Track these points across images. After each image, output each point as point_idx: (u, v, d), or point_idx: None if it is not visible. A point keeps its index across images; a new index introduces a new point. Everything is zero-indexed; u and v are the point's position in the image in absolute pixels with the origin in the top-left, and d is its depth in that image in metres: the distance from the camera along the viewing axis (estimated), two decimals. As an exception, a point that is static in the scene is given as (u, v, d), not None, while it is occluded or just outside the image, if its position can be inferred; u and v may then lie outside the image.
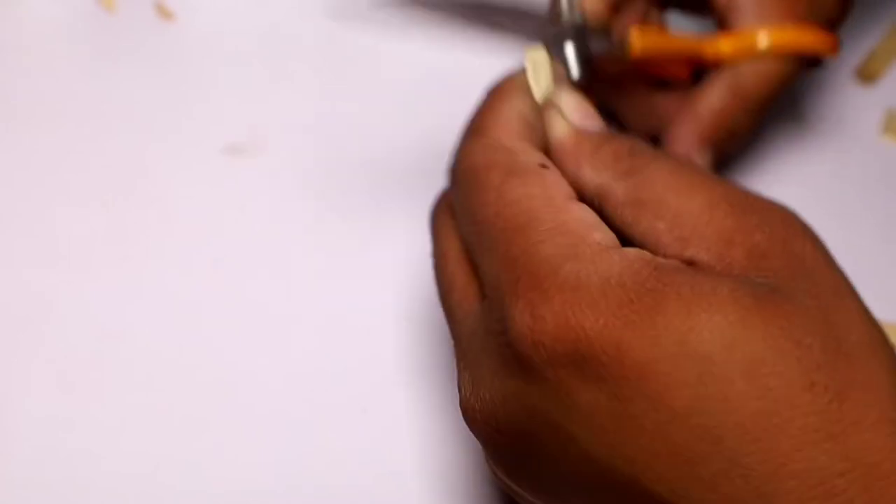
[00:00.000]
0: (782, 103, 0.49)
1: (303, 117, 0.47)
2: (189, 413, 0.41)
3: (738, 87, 0.42)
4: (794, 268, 0.30)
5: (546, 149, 0.34)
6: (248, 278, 0.44)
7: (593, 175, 0.33)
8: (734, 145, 0.43)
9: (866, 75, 0.50)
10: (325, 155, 0.47)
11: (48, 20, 0.48)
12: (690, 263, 0.30)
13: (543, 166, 0.32)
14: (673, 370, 0.27)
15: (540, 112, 0.35)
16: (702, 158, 0.41)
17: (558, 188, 0.31)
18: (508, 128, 0.34)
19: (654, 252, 0.30)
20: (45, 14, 0.49)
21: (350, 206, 0.45)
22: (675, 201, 0.31)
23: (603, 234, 0.30)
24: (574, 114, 0.35)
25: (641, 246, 0.31)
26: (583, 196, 0.32)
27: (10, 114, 0.46)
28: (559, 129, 0.34)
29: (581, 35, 0.37)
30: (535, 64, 0.36)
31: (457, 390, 0.33)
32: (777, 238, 0.30)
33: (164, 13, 0.49)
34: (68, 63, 0.48)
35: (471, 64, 0.43)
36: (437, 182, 0.38)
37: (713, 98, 0.42)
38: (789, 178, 0.48)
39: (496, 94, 0.35)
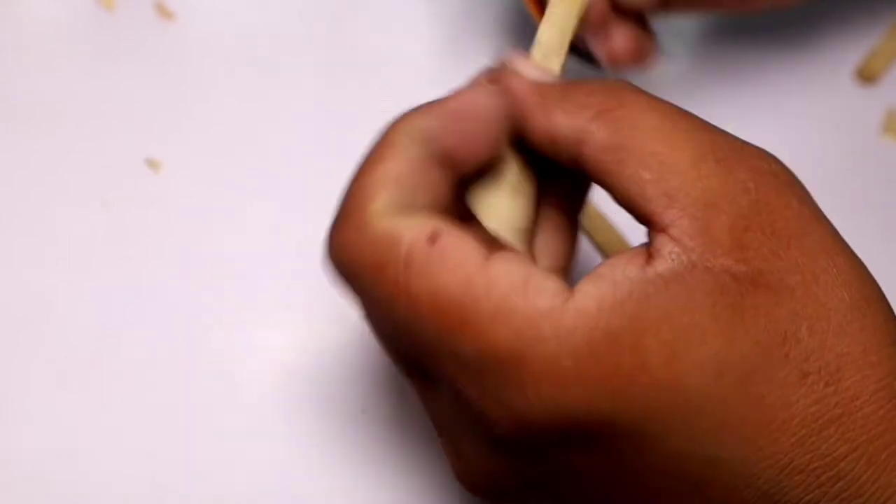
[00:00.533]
0: (782, 103, 0.49)
1: (303, 117, 0.47)
2: (189, 413, 0.41)
3: None
4: (779, 234, 0.28)
5: (434, 204, 0.30)
6: (248, 278, 0.44)
7: (566, 120, 0.29)
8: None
9: (866, 75, 0.50)
10: (325, 155, 0.47)
11: (48, 20, 0.48)
12: (663, 230, 0.28)
13: (433, 237, 0.28)
14: (667, 419, 0.27)
15: (427, 164, 0.30)
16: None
17: (467, 260, 0.28)
18: (373, 201, 0.29)
19: (639, 201, 0.28)
20: (45, 14, 0.49)
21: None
22: (661, 150, 0.28)
23: (545, 291, 0.27)
24: (531, 72, 0.32)
25: (625, 194, 0.29)
26: (558, 147, 0.30)
27: (10, 114, 0.46)
28: (517, 86, 0.30)
29: None
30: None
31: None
32: (763, 198, 0.28)
33: (164, 13, 0.49)
34: (68, 63, 0.48)
35: (473, 66, 0.43)
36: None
37: None
38: (789, 178, 0.48)
39: (369, 154, 0.31)
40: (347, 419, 0.41)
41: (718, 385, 0.27)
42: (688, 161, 0.28)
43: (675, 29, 0.48)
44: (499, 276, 0.27)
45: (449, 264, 0.27)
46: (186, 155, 0.46)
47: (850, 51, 0.50)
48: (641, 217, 0.29)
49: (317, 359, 0.42)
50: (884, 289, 0.47)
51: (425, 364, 0.29)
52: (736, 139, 0.30)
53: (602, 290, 0.27)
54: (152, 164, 0.46)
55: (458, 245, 0.28)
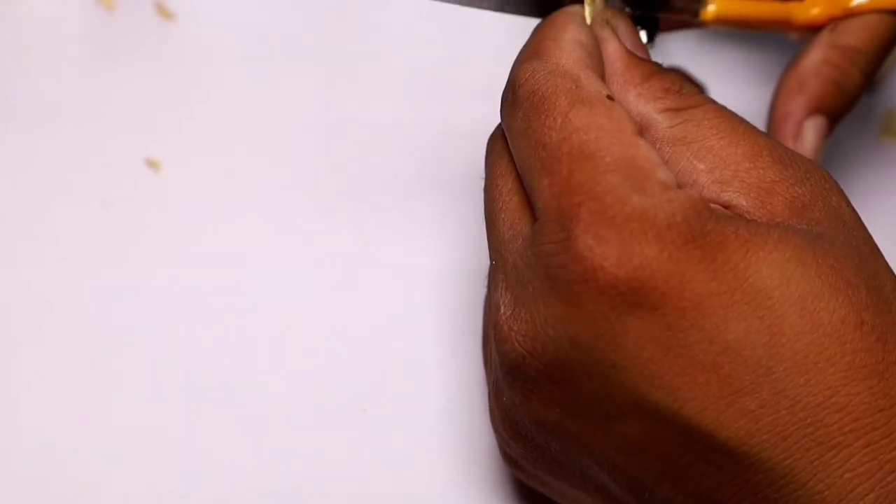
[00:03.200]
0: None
1: (303, 117, 0.47)
2: (189, 413, 0.41)
3: (841, 41, 0.40)
4: (833, 219, 0.31)
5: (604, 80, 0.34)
6: (248, 278, 0.44)
7: (638, 103, 0.33)
8: (846, 106, 0.40)
9: (866, 75, 0.50)
10: (326, 155, 0.47)
11: (48, 20, 0.48)
12: (728, 206, 0.30)
13: (610, 98, 0.31)
14: (731, 303, 0.28)
15: (598, 42, 0.34)
16: (815, 128, 0.40)
17: (625, 122, 0.31)
18: (571, 54, 0.33)
19: (692, 189, 0.31)
20: (45, 14, 0.49)
21: (352, 206, 0.45)
22: (718, 145, 0.31)
23: (667, 174, 0.30)
24: (627, 39, 0.35)
25: (678, 182, 0.31)
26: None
27: (10, 114, 0.46)
28: (612, 50, 0.34)
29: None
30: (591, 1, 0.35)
31: (492, 310, 0.32)
32: (816, 192, 0.31)
33: (164, 13, 0.49)
34: (68, 63, 0.48)
35: (472, 70, 0.43)
36: (440, 184, 0.38)
37: (815, 58, 0.40)
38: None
39: (554, 23, 0.34)
40: (347, 419, 0.41)
41: (784, 294, 0.28)
42: (742, 154, 0.31)
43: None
44: (641, 146, 0.30)
45: (612, 115, 0.31)
46: (186, 155, 0.46)
47: (850, 51, 0.50)
48: None
49: (317, 358, 0.42)
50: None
51: (538, 185, 0.31)
52: (790, 150, 0.32)
53: (702, 198, 0.30)
54: (152, 164, 0.46)
55: (624, 112, 0.31)
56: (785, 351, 0.28)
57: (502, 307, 0.31)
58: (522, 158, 0.32)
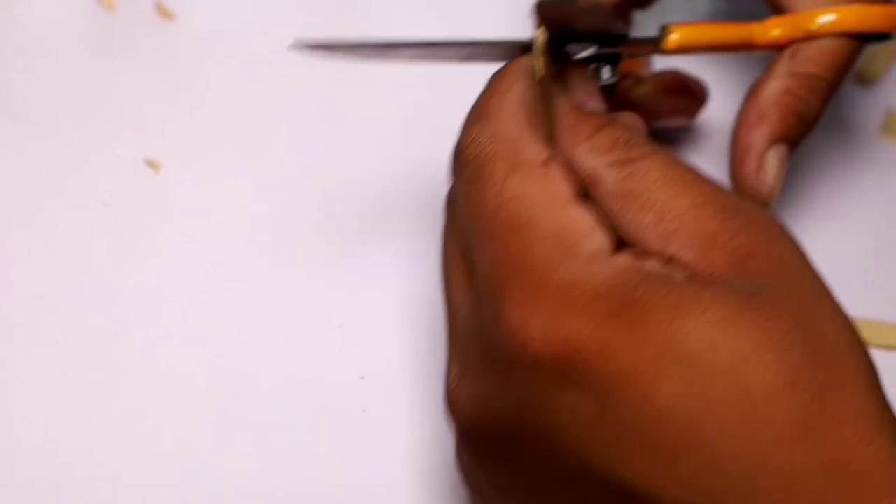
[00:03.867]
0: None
1: (303, 117, 0.47)
2: (188, 413, 0.41)
3: (801, 69, 0.40)
4: (775, 269, 0.30)
5: (552, 134, 0.34)
6: (248, 278, 0.44)
7: (587, 158, 0.32)
8: (806, 133, 0.41)
9: (866, 75, 0.50)
10: (326, 154, 0.47)
11: (48, 20, 0.48)
12: (671, 260, 0.30)
13: (548, 161, 0.31)
14: (659, 373, 0.28)
15: (547, 96, 0.34)
16: (776, 157, 0.40)
17: (561, 187, 0.31)
18: (514, 115, 0.33)
19: (641, 244, 0.31)
20: (45, 14, 0.49)
21: (351, 207, 0.45)
22: (663, 196, 0.31)
23: (598, 240, 0.30)
24: (577, 90, 0.35)
25: (628, 238, 0.31)
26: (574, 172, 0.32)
27: (10, 114, 0.46)
28: (560, 105, 0.34)
29: (598, 34, 0.36)
30: (541, 46, 0.35)
31: (445, 374, 0.33)
32: (759, 241, 0.31)
33: (164, 13, 0.49)
34: (68, 63, 0.48)
35: (473, 66, 0.43)
36: (440, 186, 0.38)
37: (776, 88, 0.40)
38: (789, 179, 0.48)
39: (501, 79, 0.34)
40: (347, 419, 0.41)
41: (711, 360, 0.28)
42: (686, 206, 0.31)
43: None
44: (575, 212, 0.31)
45: (547, 182, 0.31)
46: (186, 155, 0.46)
47: (849, 51, 0.50)
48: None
49: (317, 358, 0.42)
50: (884, 289, 0.47)
51: (477, 256, 0.31)
52: (736, 195, 0.32)
53: (633, 258, 0.30)
54: (152, 164, 0.46)
55: (562, 175, 0.31)
56: (716, 417, 0.28)
57: (451, 374, 0.33)
58: (464, 225, 0.33)
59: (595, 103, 0.35)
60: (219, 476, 0.40)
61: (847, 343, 0.29)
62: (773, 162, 0.40)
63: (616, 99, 0.38)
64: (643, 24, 0.44)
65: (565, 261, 0.30)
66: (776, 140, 0.40)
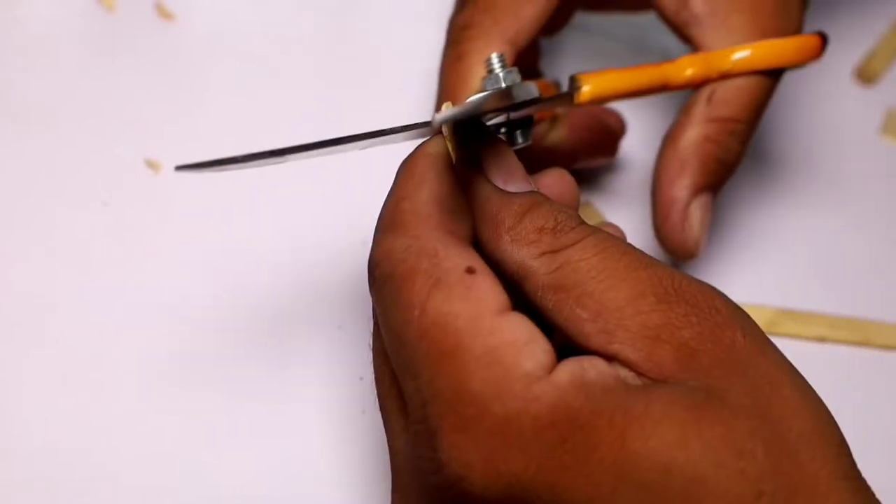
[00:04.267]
0: (782, 103, 0.49)
1: (303, 117, 0.47)
2: (188, 413, 0.41)
3: (719, 114, 0.38)
4: (725, 364, 0.28)
5: (473, 228, 0.32)
6: (248, 278, 0.44)
7: (514, 250, 0.30)
8: (728, 176, 0.39)
9: (866, 75, 0.50)
10: (326, 154, 0.47)
11: (48, 20, 0.48)
12: (614, 358, 0.29)
13: (470, 270, 0.29)
14: (608, 499, 0.27)
15: (461, 182, 0.32)
16: (701, 207, 0.38)
17: (487, 302, 0.29)
18: (428, 219, 0.30)
19: (580, 339, 0.29)
20: (45, 14, 0.49)
21: (351, 208, 0.45)
22: (598, 289, 0.29)
23: (535, 356, 0.28)
24: (495, 170, 0.32)
25: (566, 333, 0.29)
26: (503, 270, 0.30)
27: (11, 113, 0.46)
28: (479, 192, 0.31)
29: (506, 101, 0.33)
30: (448, 132, 0.32)
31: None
32: (706, 331, 0.29)
33: (164, 13, 0.49)
34: (68, 63, 0.48)
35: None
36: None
37: (694, 136, 0.38)
38: (789, 179, 0.48)
39: (409, 174, 0.31)
40: (347, 419, 0.41)
41: (666, 485, 0.27)
42: (624, 299, 0.29)
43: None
44: (506, 326, 0.28)
45: (471, 296, 0.29)
46: (186, 155, 0.46)
47: (849, 51, 0.51)
48: (588, 353, 0.29)
49: (317, 359, 0.42)
50: (884, 289, 0.47)
51: (405, 385, 0.29)
52: (681, 276, 0.30)
53: (575, 371, 0.28)
54: (152, 164, 0.46)
55: (487, 285, 0.29)
56: None
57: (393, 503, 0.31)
58: (389, 350, 0.30)
59: (517, 181, 0.32)
60: (218, 476, 0.40)
61: (811, 430, 0.28)
62: (697, 213, 0.38)
63: (531, 147, 0.36)
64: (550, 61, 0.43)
65: (502, 391, 0.27)
66: (699, 191, 0.38)
